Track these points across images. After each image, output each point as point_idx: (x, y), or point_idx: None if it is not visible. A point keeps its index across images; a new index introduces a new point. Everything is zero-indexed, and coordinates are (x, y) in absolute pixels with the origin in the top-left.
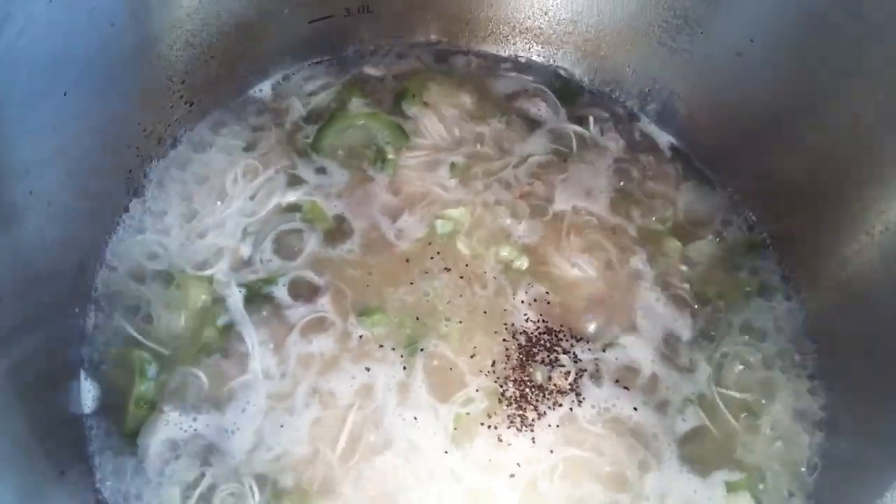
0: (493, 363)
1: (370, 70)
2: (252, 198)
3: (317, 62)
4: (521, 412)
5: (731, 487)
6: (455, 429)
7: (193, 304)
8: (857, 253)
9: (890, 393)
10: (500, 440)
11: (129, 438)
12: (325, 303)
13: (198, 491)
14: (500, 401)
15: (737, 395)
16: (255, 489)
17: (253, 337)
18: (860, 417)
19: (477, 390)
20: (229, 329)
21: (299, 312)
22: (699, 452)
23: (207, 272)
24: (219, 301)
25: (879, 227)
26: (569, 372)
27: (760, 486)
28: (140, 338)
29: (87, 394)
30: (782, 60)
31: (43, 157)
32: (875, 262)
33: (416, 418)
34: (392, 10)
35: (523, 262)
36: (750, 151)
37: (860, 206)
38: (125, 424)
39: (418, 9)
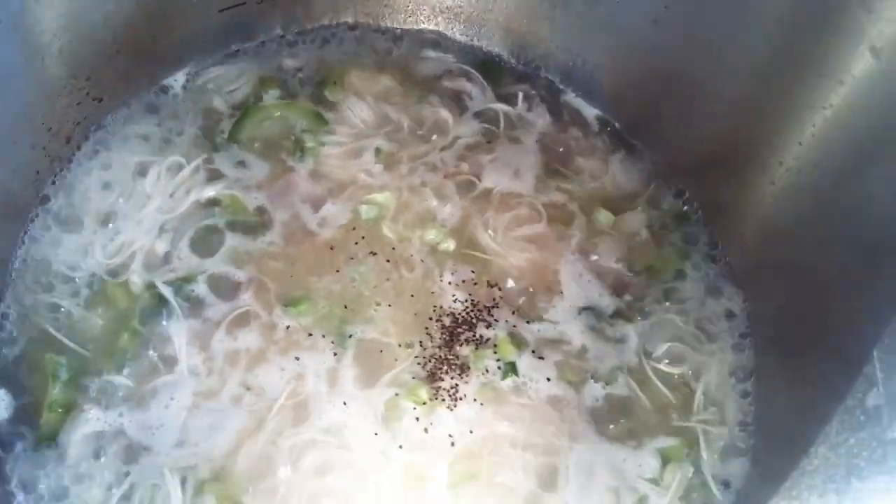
0: (421, 343)
1: (287, 60)
2: (171, 195)
3: (231, 52)
4: (448, 390)
5: (665, 454)
6: (385, 411)
7: (112, 306)
8: (770, 207)
9: (814, 348)
10: (427, 419)
11: (45, 444)
12: (248, 297)
13: (120, 490)
14: (427, 380)
15: (667, 363)
16: (177, 482)
17: (181, 336)
18: (788, 377)
19: (405, 372)
20: (150, 329)
21: (222, 309)
22: (630, 422)
23: (125, 273)
24: (138, 301)
25: (786, 166)
26: (495, 347)
27: (695, 451)
28: (59, 337)
29: (0, 402)
30: (695, 26)
31: None
32: (786, 204)
33: (345, 403)
34: None
35: (450, 244)
36: (673, 119)
37: (770, 159)
38: (40, 430)
39: None
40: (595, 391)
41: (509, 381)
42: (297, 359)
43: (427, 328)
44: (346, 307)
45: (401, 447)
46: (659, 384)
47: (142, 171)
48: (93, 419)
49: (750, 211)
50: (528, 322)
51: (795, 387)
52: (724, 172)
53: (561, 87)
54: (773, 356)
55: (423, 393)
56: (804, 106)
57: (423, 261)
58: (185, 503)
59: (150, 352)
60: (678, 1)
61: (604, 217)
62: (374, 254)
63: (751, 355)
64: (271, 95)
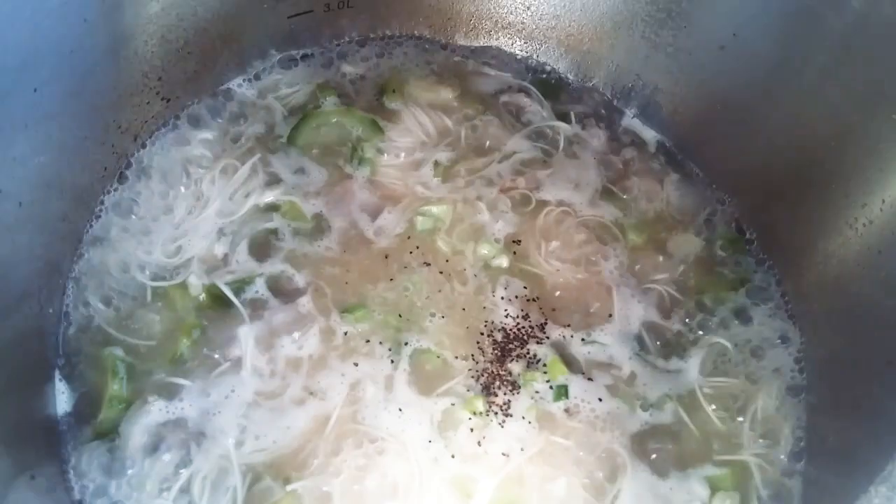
0: (474, 357)
1: (348, 68)
2: (230, 198)
3: (295, 58)
4: (501, 406)
5: (713, 483)
6: (439, 420)
7: (171, 305)
8: (840, 246)
9: (873, 386)
10: (481, 432)
11: (104, 438)
12: (306, 301)
13: (180, 479)
14: (480, 393)
15: (717, 390)
16: (238, 477)
17: (244, 338)
18: (845, 411)
19: (460, 384)
20: (211, 329)
21: (283, 312)
22: (678, 449)
23: (184, 273)
24: (198, 301)
25: (862, 220)
26: (545, 367)
27: (744, 483)
28: (119, 335)
29: (61, 395)
30: (765, 54)
31: (13, 155)
32: (858, 255)
33: (401, 409)
34: (372, 5)
35: (503, 260)
36: (733, 146)
37: (843, 200)
38: (99, 424)
39: (399, 4)
40: (644, 417)
41: (560, 403)
42: (356, 365)
43: (479, 342)
44: (400, 316)
45: (453, 457)
46: (708, 412)
47: (204, 174)
48: (154, 410)
49: (814, 250)
50: (579, 342)
51: (851, 422)
52: (788, 207)
53: (619, 107)
54: (828, 389)
55: (480, 405)
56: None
57: (475, 275)
58: (243, 491)
59: (210, 350)
60: (747, 29)
61: (657, 239)
62: (428, 264)
63: (804, 385)
64: (329, 102)
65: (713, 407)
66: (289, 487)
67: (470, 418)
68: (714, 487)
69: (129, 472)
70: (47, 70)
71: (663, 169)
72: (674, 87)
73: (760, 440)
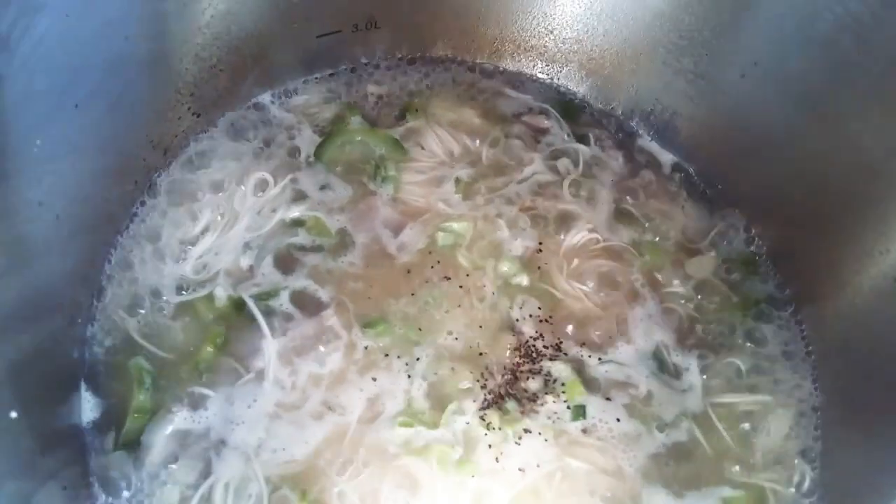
0: (492, 374)
1: (373, 87)
2: (259, 213)
3: (323, 76)
4: (516, 421)
5: None
6: (456, 436)
7: (197, 317)
8: (857, 273)
9: (888, 414)
10: (496, 448)
11: (128, 447)
12: (329, 315)
13: (201, 488)
14: (495, 411)
15: (733, 411)
16: (261, 485)
17: (267, 349)
18: (859, 437)
19: (475, 399)
20: (235, 340)
21: (306, 325)
22: (693, 469)
23: (210, 285)
24: (223, 313)
25: (879, 248)
26: (563, 386)
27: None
28: (145, 344)
29: (87, 404)
30: (785, 84)
31: (53, 168)
32: (875, 282)
33: (416, 427)
34: (399, 26)
35: (522, 279)
36: (751, 171)
37: (861, 228)
38: (125, 434)
39: (425, 25)
40: (661, 438)
41: (577, 423)
42: (374, 380)
43: (496, 359)
44: (420, 329)
45: (467, 474)
46: (723, 433)
47: (234, 188)
48: (177, 419)
49: (830, 277)
50: (596, 362)
51: (865, 448)
52: (805, 233)
53: (638, 130)
54: (842, 414)
55: (497, 420)
56: None
57: (493, 293)
58: (264, 499)
59: (234, 362)
60: (768, 58)
61: (674, 261)
62: (448, 279)
63: (818, 410)
64: (355, 120)
65: (727, 427)
66: (306, 501)
67: (486, 434)
68: None
69: (152, 480)
70: (88, 86)
71: (680, 192)
72: (693, 112)
73: (775, 463)
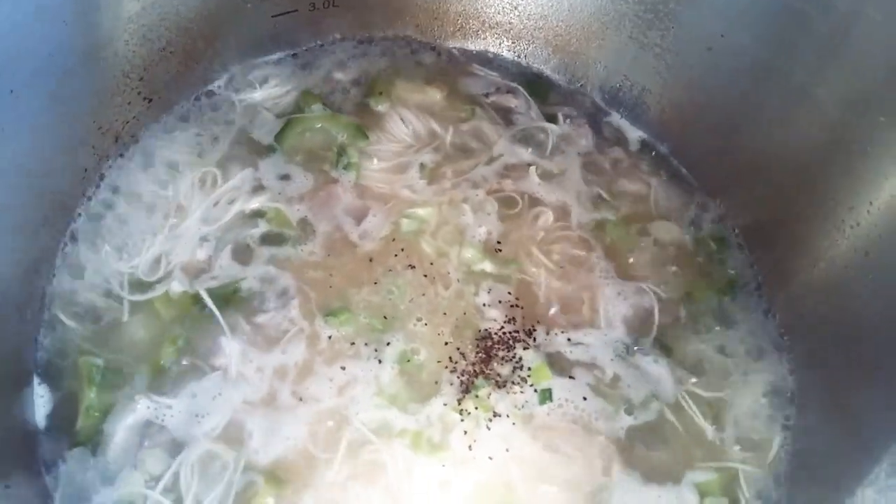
0: (460, 359)
1: (333, 69)
2: (215, 204)
3: (280, 58)
4: (484, 407)
5: (702, 489)
6: (428, 421)
7: (153, 313)
8: (828, 248)
9: (861, 389)
10: (469, 434)
11: (83, 444)
12: (290, 307)
13: (161, 483)
14: (465, 394)
15: (703, 392)
16: (229, 471)
17: (227, 345)
18: (832, 414)
19: (444, 385)
20: (192, 336)
21: (266, 318)
22: (665, 454)
23: (166, 279)
24: (179, 309)
25: (850, 223)
26: (530, 370)
27: (731, 487)
28: (95, 342)
29: (40, 400)
30: (752, 55)
31: None
32: (845, 256)
33: (390, 411)
34: (357, 4)
35: (486, 265)
36: (721, 146)
37: (830, 201)
38: (77, 432)
39: (385, 4)
40: (629, 420)
41: (545, 406)
42: (343, 368)
43: (463, 345)
44: (385, 318)
45: (439, 460)
46: (693, 415)
47: (184, 176)
48: (139, 411)
49: (801, 252)
50: (563, 345)
51: (839, 425)
52: (775, 208)
53: (606, 108)
54: (814, 391)
55: (469, 405)
56: (884, 161)
57: (458, 280)
58: (233, 487)
59: (194, 359)
60: (735, 30)
61: (644, 240)
62: (413, 267)
63: (790, 388)
64: (314, 106)
65: (698, 409)
66: (279, 492)
67: (462, 420)
68: (703, 493)
69: (112, 473)
70: (25, 72)
71: (651, 169)
72: (662, 87)
73: (747, 444)
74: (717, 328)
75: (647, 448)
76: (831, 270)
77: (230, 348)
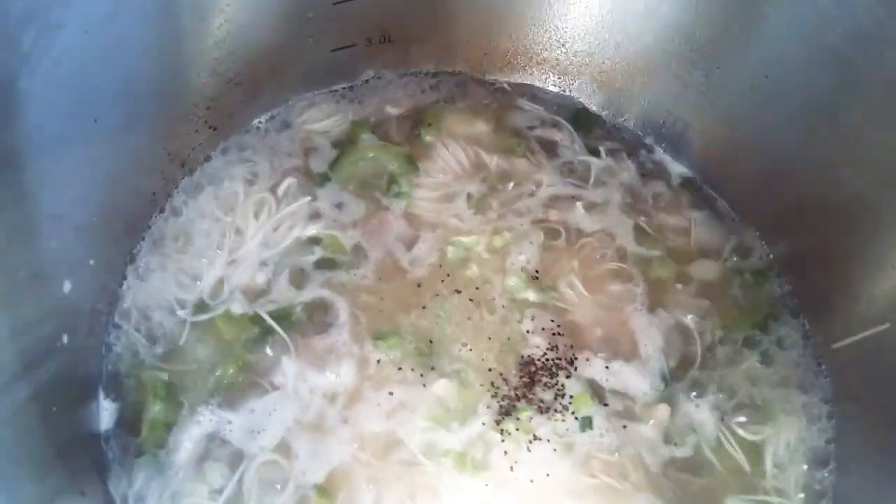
0: (501, 385)
1: (385, 101)
2: (275, 230)
3: (337, 90)
4: (527, 431)
5: None
6: (471, 443)
7: (215, 332)
8: (870, 287)
9: None
10: (510, 456)
11: (146, 455)
12: (343, 330)
13: (224, 495)
14: (509, 419)
15: (742, 429)
16: (287, 487)
17: (285, 365)
18: (870, 455)
19: (487, 409)
20: (253, 356)
21: (319, 340)
22: (700, 483)
23: (227, 301)
24: (239, 329)
25: (892, 262)
26: (571, 398)
27: None
28: (160, 357)
29: (105, 412)
30: (798, 97)
31: (72, 181)
32: (887, 298)
33: (435, 436)
34: (412, 40)
35: (529, 293)
36: (763, 184)
37: (873, 241)
38: (142, 444)
39: (437, 39)
40: (667, 451)
41: (585, 435)
42: (391, 394)
43: (505, 372)
44: (431, 342)
45: (482, 483)
46: (732, 450)
47: (245, 203)
48: (202, 423)
49: (843, 292)
50: (604, 375)
51: (877, 468)
52: (817, 247)
53: (649, 143)
54: (854, 430)
55: (511, 428)
56: None
57: (503, 306)
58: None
59: (255, 377)
60: (779, 72)
61: (684, 273)
62: (459, 292)
63: (829, 427)
64: (367, 136)
65: (737, 445)
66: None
67: (503, 441)
68: None
69: (176, 484)
70: (107, 101)
71: (692, 204)
72: (705, 124)
73: (784, 480)
74: (757, 364)
75: (684, 478)
76: (872, 309)
77: (289, 368)
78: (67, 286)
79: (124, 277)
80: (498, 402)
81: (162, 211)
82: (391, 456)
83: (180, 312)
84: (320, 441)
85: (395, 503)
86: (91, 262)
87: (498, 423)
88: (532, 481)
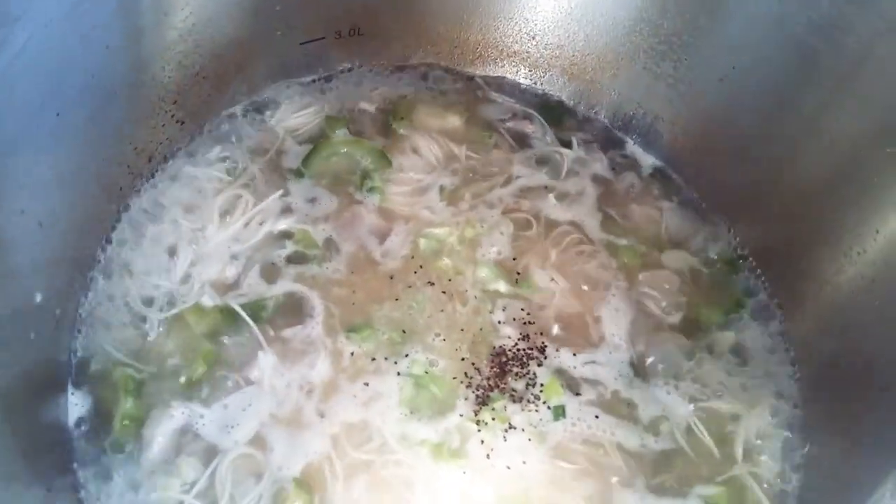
0: (474, 374)
1: (357, 95)
2: (246, 225)
3: (307, 83)
4: (502, 420)
5: (709, 502)
6: (447, 433)
7: (185, 326)
8: (836, 274)
9: (867, 411)
10: (487, 445)
11: (119, 451)
12: (315, 323)
13: (196, 488)
14: (485, 408)
15: (711, 412)
16: (262, 480)
17: (259, 358)
18: (839, 435)
19: (461, 398)
20: (223, 350)
21: (292, 333)
22: (673, 470)
23: (198, 295)
24: (211, 323)
25: (857, 249)
26: (542, 387)
27: (740, 501)
28: (130, 354)
29: (74, 407)
30: (763, 87)
31: (36, 176)
32: (852, 283)
33: (410, 426)
34: (382, 33)
35: (500, 284)
36: (732, 174)
37: (838, 228)
38: (114, 439)
39: (408, 32)
40: (639, 438)
41: (558, 423)
42: (367, 384)
43: (478, 362)
44: (403, 332)
45: (464, 473)
46: (701, 433)
47: (214, 198)
48: (174, 417)
49: (810, 277)
50: (576, 364)
51: (845, 445)
52: (785, 234)
53: (620, 134)
54: (822, 412)
55: (487, 417)
56: (891, 191)
57: (476, 296)
58: (266, 497)
59: (228, 372)
60: (746, 62)
61: (655, 264)
62: (432, 284)
63: (798, 409)
64: (339, 131)
65: (706, 428)
66: (308, 497)
67: (479, 430)
68: None
69: (147, 478)
70: (70, 96)
71: (662, 195)
72: (674, 116)
73: (755, 461)
74: (726, 349)
75: (657, 464)
76: (839, 295)
77: (265, 362)
78: (33, 283)
79: (91, 273)
80: (473, 391)
81: (128, 206)
82: (368, 446)
83: (149, 308)
84: (296, 434)
85: (372, 493)
86: (57, 257)
87: (476, 412)
88: (509, 468)
